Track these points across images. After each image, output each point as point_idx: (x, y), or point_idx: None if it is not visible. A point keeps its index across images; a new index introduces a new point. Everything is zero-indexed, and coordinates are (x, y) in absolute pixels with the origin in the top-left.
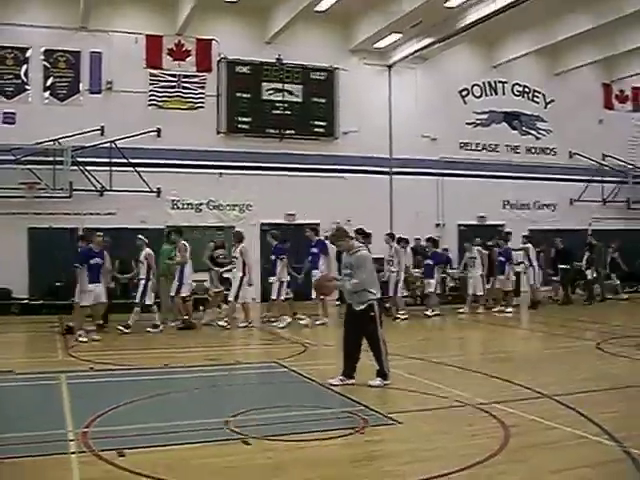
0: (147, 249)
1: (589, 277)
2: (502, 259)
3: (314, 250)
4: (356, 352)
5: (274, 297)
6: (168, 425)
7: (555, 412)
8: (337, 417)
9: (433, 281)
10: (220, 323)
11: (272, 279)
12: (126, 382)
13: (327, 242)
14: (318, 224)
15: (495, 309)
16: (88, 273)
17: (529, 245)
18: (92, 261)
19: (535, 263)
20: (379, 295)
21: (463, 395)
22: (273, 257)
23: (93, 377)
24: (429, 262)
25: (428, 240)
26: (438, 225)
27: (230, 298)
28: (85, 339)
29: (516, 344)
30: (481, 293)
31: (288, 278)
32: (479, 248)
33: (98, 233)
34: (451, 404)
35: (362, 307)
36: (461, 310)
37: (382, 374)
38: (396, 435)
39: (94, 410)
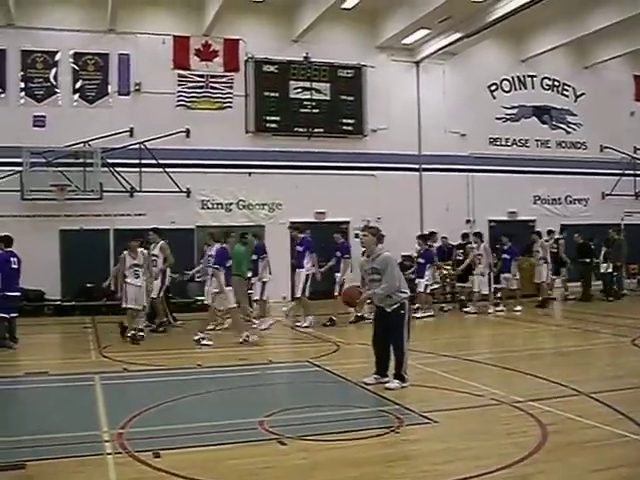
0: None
1: (603, 271)
2: (507, 257)
3: (299, 249)
4: (387, 352)
5: (256, 297)
6: (203, 425)
7: (593, 410)
8: (372, 416)
9: (423, 280)
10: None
11: (253, 279)
12: (160, 382)
13: (311, 240)
14: (348, 222)
15: (498, 308)
16: (225, 275)
17: (541, 240)
18: (228, 263)
19: (549, 259)
20: (409, 294)
21: (498, 393)
22: (255, 257)
23: (127, 378)
24: (420, 260)
25: (419, 237)
26: (468, 221)
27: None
28: (210, 342)
29: (548, 340)
30: (486, 292)
31: (270, 277)
32: (485, 245)
33: (232, 233)
34: (487, 402)
35: (394, 307)
36: (467, 309)
37: (400, 377)
38: (432, 434)
39: (129, 411)
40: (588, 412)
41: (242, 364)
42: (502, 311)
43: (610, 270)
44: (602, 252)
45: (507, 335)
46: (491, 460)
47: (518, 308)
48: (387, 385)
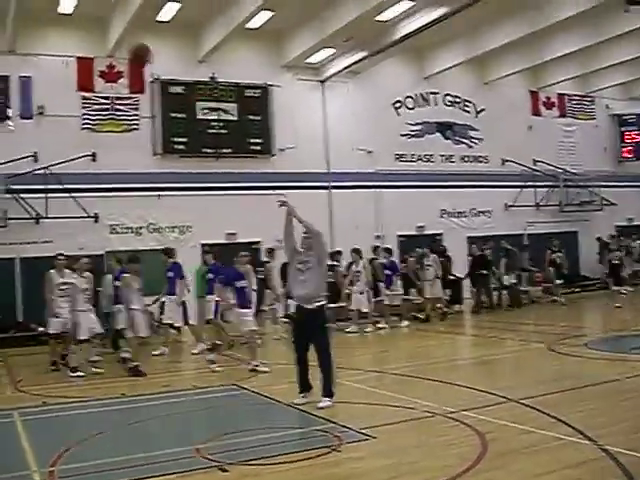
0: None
1: (506, 283)
2: (388, 272)
3: (170, 274)
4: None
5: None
6: (138, 457)
7: (525, 416)
8: (311, 436)
9: None
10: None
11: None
12: (84, 415)
13: (181, 266)
14: (259, 242)
15: (380, 325)
16: (236, 297)
17: (433, 255)
18: (238, 284)
19: (439, 274)
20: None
21: (430, 405)
22: (118, 283)
23: (48, 412)
24: None
25: None
26: (378, 237)
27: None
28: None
29: (467, 350)
30: (366, 310)
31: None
32: (364, 262)
33: (242, 253)
34: (420, 415)
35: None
36: (348, 329)
37: (330, 394)
38: (373, 451)
39: (56, 447)
40: (521, 418)
41: (166, 391)
42: (383, 328)
43: (513, 281)
44: (502, 263)
45: (426, 347)
46: (436, 473)
47: (405, 324)
48: (319, 405)
